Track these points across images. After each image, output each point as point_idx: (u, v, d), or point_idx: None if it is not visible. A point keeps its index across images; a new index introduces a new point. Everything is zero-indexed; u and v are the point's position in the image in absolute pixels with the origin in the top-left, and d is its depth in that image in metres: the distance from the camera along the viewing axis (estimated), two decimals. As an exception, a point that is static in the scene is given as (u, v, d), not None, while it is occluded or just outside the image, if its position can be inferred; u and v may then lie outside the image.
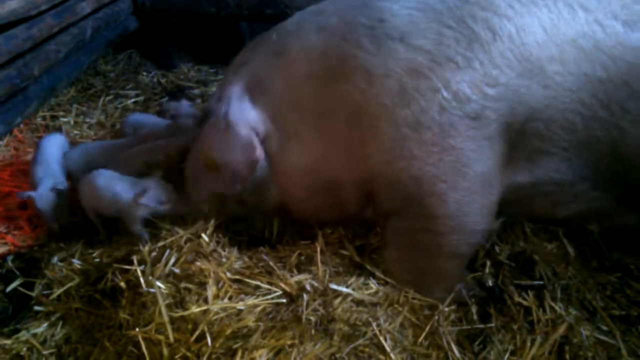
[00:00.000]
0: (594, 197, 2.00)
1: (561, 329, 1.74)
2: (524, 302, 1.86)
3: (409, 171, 1.80)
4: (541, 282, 1.93)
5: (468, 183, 1.80)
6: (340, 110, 1.88)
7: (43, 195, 2.27)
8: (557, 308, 1.83)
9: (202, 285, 1.74)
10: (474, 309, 1.84)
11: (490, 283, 1.97)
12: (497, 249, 2.07)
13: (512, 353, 1.71)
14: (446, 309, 1.80)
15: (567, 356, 1.71)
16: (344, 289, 1.71)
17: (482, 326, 1.79)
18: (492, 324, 1.80)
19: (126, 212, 2.12)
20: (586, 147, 1.88)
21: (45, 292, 2.05)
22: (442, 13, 1.82)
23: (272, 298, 1.69)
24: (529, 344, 1.71)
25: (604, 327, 1.85)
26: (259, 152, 1.97)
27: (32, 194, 2.27)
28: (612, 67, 1.80)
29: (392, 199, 1.88)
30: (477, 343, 1.74)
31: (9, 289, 2.08)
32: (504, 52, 1.77)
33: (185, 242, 1.93)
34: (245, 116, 1.97)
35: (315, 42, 1.94)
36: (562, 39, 1.80)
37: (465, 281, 1.95)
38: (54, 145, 2.61)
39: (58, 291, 2.01)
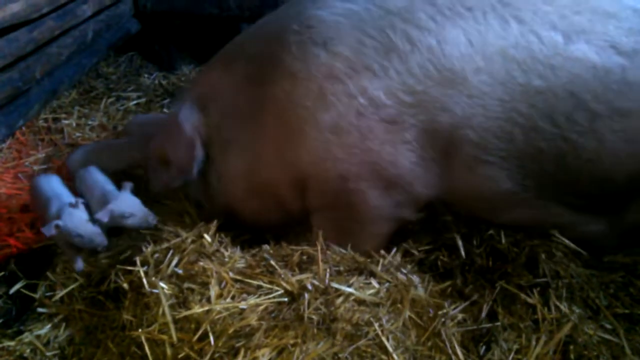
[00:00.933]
0: (539, 205, 2.03)
1: (566, 328, 1.74)
2: (529, 301, 1.86)
3: (336, 171, 1.92)
4: (545, 280, 1.92)
5: (386, 182, 1.93)
6: (269, 112, 2.00)
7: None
8: (562, 307, 1.83)
9: (205, 285, 1.74)
10: (484, 307, 1.84)
11: None
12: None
13: (517, 352, 1.70)
14: (452, 311, 1.79)
15: (572, 355, 1.70)
16: (345, 288, 1.70)
17: (488, 326, 1.79)
18: (499, 323, 1.80)
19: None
20: (529, 158, 1.92)
21: (48, 293, 2.05)
22: (365, 22, 1.91)
23: (274, 297, 1.69)
24: (533, 342, 1.71)
25: (608, 326, 1.85)
26: (198, 151, 2.16)
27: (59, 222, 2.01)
28: (552, 77, 1.83)
29: (323, 196, 2.01)
30: (481, 344, 1.74)
31: (12, 290, 2.09)
32: (422, 62, 1.84)
33: (188, 243, 1.93)
34: (191, 119, 2.16)
35: (254, 49, 2.10)
36: (490, 50, 1.85)
37: None
38: (56, 180, 2.40)
39: (61, 293, 2.02)
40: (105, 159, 2.57)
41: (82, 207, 2.07)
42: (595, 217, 2.07)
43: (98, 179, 2.32)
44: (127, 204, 2.05)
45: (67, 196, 2.23)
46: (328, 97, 1.87)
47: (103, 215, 2.00)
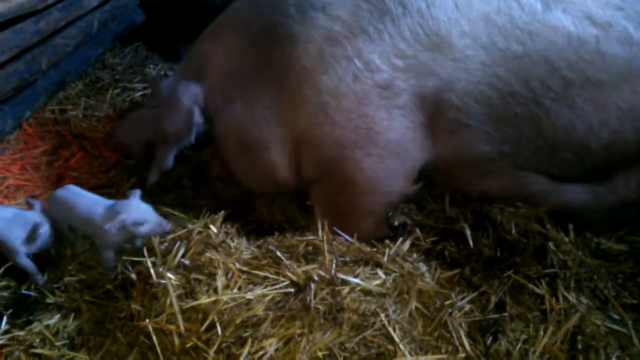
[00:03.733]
0: (515, 174, 2.08)
1: (574, 319, 1.73)
2: (538, 291, 1.85)
3: (333, 136, 1.95)
4: (554, 270, 1.91)
5: (380, 150, 1.95)
6: (269, 73, 2.05)
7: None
8: (570, 297, 1.82)
9: (212, 275, 1.74)
10: (492, 298, 1.84)
11: (396, 223, 2.12)
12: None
13: (524, 342, 1.70)
14: (459, 302, 1.79)
15: (579, 346, 1.70)
16: (351, 279, 1.70)
17: (495, 316, 1.79)
18: (506, 313, 1.79)
19: (100, 237, 1.98)
20: (505, 122, 1.97)
21: (57, 285, 2.07)
22: None
23: (280, 288, 1.70)
24: (541, 333, 1.71)
25: (616, 316, 1.84)
26: (197, 118, 2.26)
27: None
28: (529, 42, 1.88)
29: (318, 164, 2.04)
30: (488, 335, 1.73)
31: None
32: (412, 26, 1.89)
33: (195, 234, 1.94)
34: (189, 91, 2.26)
35: (249, 16, 2.17)
36: (474, 14, 1.90)
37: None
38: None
39: (69, 283, 2.04)
40: (149, 127, 2.57)
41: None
42: (576, 187, 2.10)
43: (85, 196, 2.12)
44: (139, 212, 1.94)
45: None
46: (327, 59, 1.92)
47: (112, 226, 1.86)
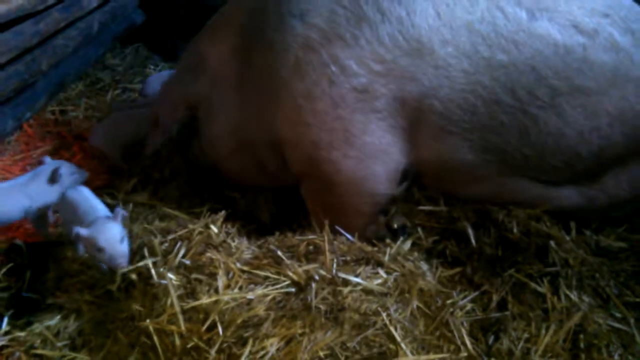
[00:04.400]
0: (502, 182, 2.10)
1: (576, 317, 1.73)
2: (540, 290, 1.85)
3: (308, 136, 1.99)
4: (555, 269, 1.91)
5: (357, 152, 1.97)
6: (253, 79, 2.12)
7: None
8: (572, 296, 1.82)
9: (213, 275, 1.74)
10: (494, 297, 1.84)
11: (395, 225, 2.12)
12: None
13: (526, 341, 1.69)
14: (461, 302, 1.79)
15: (582, 344, 1.69)
16: (353, 278, 1.70)
17: (497, 315, 1.78)
18: (508, 312, 1.79)
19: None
20: (490, 130, 1.98)
21: (57, 285, 2.07)
22: None
23: (281, 287, 1.69)
24: (543, 332, 1.70)
25: (618, 315, 1.84)
26: (180, 113, 2.38)
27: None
28: (515, 52, 1.89)
29: (298, 160, 2.09)
30: (490, 333, 1.73)
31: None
32: (391, 32, 1.90)
33: (195, 234, 1.93)
34: (182, 85, 2.39)
35: (240, 20, 2.23)
36: (457, 23, 1.90)
37: (377, 223, 2.14)
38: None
39: (70, 284, 2.03)
40: (127, 130, 2.68)
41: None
42: (568, 191, 2.12)
43: (89, 200, 2.11)
44: (104, 237, 1.82)
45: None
46: (302, 66, 1.96)
47: (78, 244, 1.88)
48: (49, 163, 2.24)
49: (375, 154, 1.98)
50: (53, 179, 2.16)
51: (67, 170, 2.21)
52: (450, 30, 1.89)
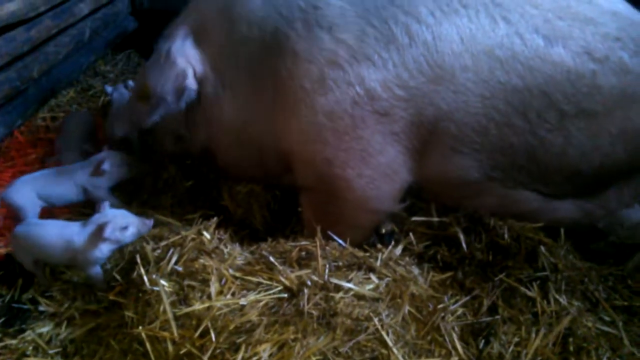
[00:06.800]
0: (504, 195, 2.11)
1: (565, 321, 1.75)
2: (529, 294, 1.87)
3: (323, 154, 1.97)
4: (545, 273, 1.93)
5: (372, 171, 1.97)
6: (269, 80, 2.03)
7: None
8: (561, 300, 1.84)
9: (205, 282, 1.74)
10: (484, 302, 1.86)
11: (383, 231, 2.14)
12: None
13: (517, 345, 1.71)
14: (452, 306, 1.80)
15: (571, 347, 1.71)
16: (345, 284, 1.71)
17: (488, 319, 1.80)
18: (498, 316, 1.81)
19: (81, 257, 1.91)
20: (499, 151, 2.00)
21: (49, 293, 2.06)
22: (369, 11, 1.93)
23: (274, 293, 1.70)
24: (533, 335, 1.72)
25: (607, 318, 1.86)
26: (190, 82, 2.12)
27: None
28: (529, 77, 1.90)
29: (307, 175, 2.07)
30: (480, 338, 1.75)
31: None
32: (417, 57, 1.89)
33: (188, 241, 1.93)
34: (186, 51, 2.15)
35: (257, 7, 2.07)
36: (478, 48, 1.90)
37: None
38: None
39: (62, 291, 2.03)
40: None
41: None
42: (566, 204, 2.14)
43: (48, 224, 2.03)
44: (119, 218, 1.89)
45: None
46: (327, 82, 1.91)
47: (110, 233, 1.83)
48: (103, 154, 2.35)
49: (387, 174, 1.99)
50: (96, 172, 2.27)
51: (111, 163, 2.30)
52: (471, 56, 1.88)
